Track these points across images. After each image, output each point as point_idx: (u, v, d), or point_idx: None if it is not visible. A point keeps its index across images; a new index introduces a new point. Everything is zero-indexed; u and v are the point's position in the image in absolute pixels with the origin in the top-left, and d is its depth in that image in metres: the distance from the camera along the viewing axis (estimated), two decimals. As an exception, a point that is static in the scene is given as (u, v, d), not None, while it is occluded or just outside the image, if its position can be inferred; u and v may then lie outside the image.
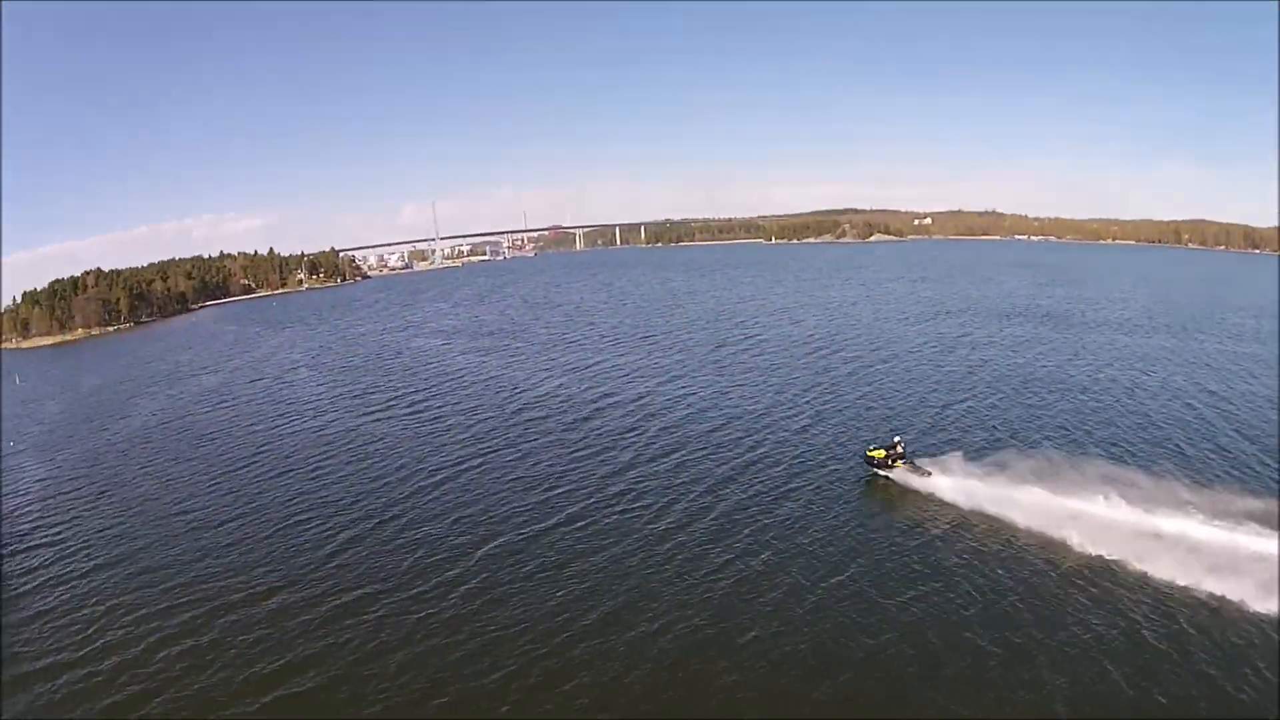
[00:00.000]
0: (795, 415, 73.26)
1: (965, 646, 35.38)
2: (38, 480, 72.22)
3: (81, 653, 39.99)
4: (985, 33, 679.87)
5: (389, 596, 42.93)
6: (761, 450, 63.82)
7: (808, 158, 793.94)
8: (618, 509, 53.17)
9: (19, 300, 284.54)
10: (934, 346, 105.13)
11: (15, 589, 48.05)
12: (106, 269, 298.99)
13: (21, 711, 34.58)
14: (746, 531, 48.69)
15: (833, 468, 59.02)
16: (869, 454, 56.17)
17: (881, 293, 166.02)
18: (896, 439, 56.35)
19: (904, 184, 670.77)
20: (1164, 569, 39.36)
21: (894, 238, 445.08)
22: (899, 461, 55.26)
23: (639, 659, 35.87)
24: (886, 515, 50.33)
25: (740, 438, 67.17)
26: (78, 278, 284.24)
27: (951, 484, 51.24)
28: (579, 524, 50.81)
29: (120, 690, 36.30)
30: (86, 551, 53.21)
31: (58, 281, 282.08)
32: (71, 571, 50.24)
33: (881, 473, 55.62)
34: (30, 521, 60.44)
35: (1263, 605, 35.10)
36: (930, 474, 53.39)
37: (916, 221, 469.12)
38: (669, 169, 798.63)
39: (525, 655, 36.59)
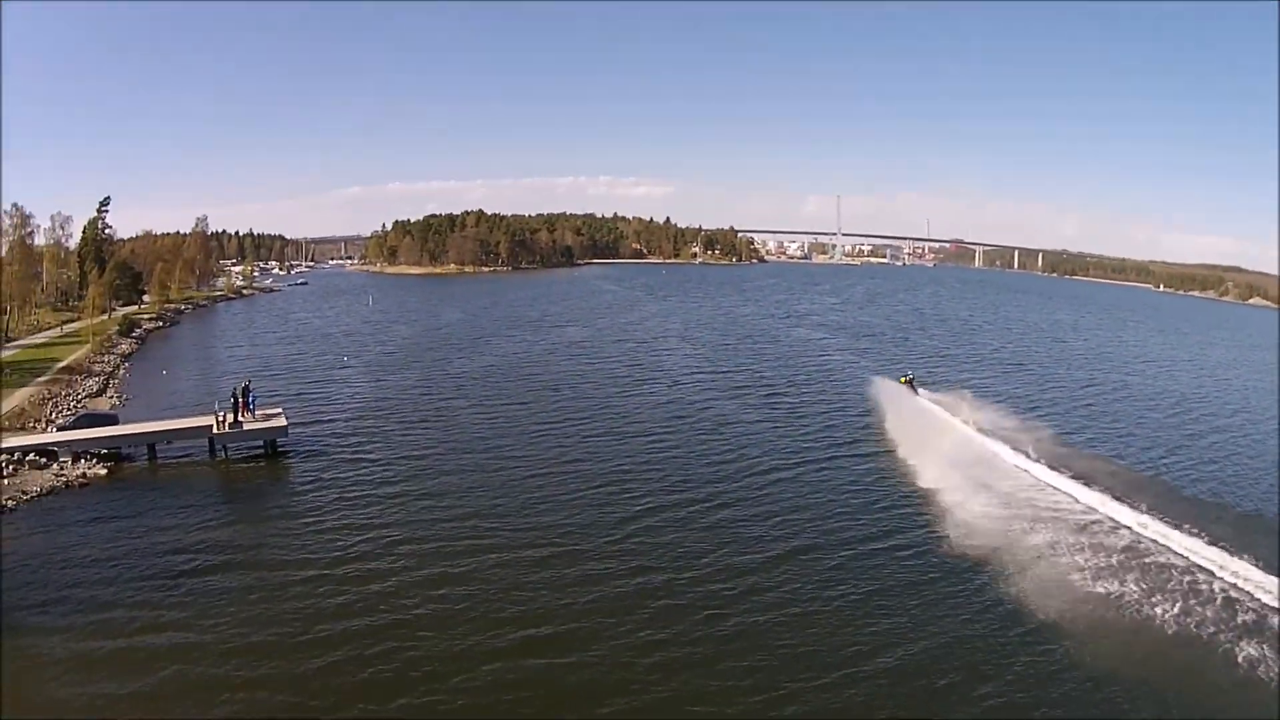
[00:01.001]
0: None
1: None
2: (353, 397, 66.16)
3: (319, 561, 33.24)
4: None
5: (664, 588, 31.97)
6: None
7: (1199, 205, 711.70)
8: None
9: (388, 228, 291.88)
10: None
11: (290, 491, 43.02)
12: (489, 212, 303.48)
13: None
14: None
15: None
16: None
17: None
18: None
19: None
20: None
21: (1271, 303, 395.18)
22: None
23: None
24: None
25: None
26: (456, 216, 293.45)
27: None
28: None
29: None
30: (371, 467, 46.12)
31: (434, 217, 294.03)
32: (346, 478, 44.09)
33: None
34: (320, 432, 53.73)
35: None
36: None
37: None
38: (1071, 197, 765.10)
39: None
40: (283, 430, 48.06)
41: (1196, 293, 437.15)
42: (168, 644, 27.02)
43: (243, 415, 47.66)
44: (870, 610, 30.61)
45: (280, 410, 50.96)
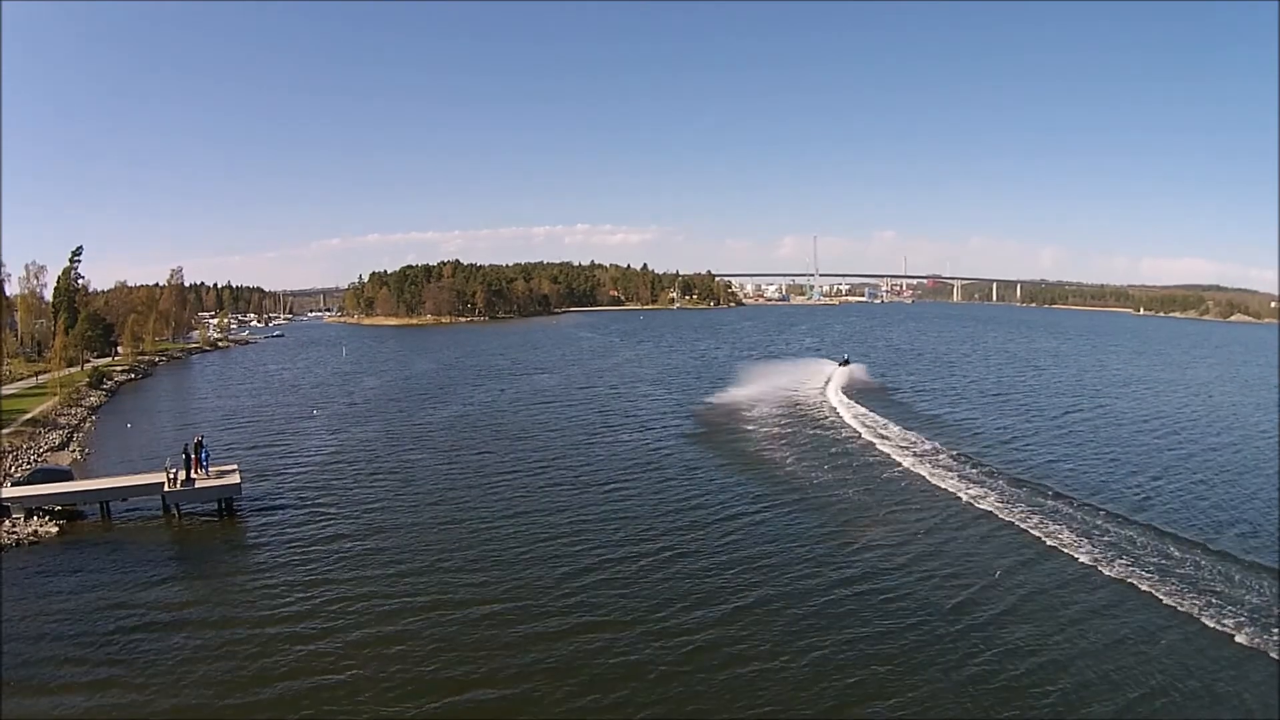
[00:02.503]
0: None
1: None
2: (315, 450, 64.49)
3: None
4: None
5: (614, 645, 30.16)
6: None
7: (1178, 231, 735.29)
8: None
9: (364, 279, 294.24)
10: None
11: (241, 550, 41.68)
12: (465, 262, 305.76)
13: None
14: None
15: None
16: None
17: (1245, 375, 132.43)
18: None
19: (1264, 266, 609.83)
20: None
21: (1253, 319, 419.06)
22: None
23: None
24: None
25: None
26: (433, 266, 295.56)
27: None
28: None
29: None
30: (326, 523, 44.94)
31: (410, 267, 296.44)
32: (300, 536, 42.76)
33: None
34: (278, 487, 52.54)
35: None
36: None
37: (1273, 304, 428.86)
38: (1046, 229, 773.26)
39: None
40: (236, 488, 46.65)
41: (1177, 313, 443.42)
42: (113, 704, 26.10)
43: (196, 472, 46.51)
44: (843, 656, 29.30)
45: (235, 467, 49.56)
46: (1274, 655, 28.89)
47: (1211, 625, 30.54)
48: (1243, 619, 30.81)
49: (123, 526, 44.38)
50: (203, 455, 47.67)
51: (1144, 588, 34.25)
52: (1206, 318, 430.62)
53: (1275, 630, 29.95)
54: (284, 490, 51.32)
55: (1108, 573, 36.09)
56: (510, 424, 75.59)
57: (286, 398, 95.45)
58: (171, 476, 45.61)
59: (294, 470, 57.11)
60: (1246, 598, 33.04)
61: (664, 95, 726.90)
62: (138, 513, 46.01)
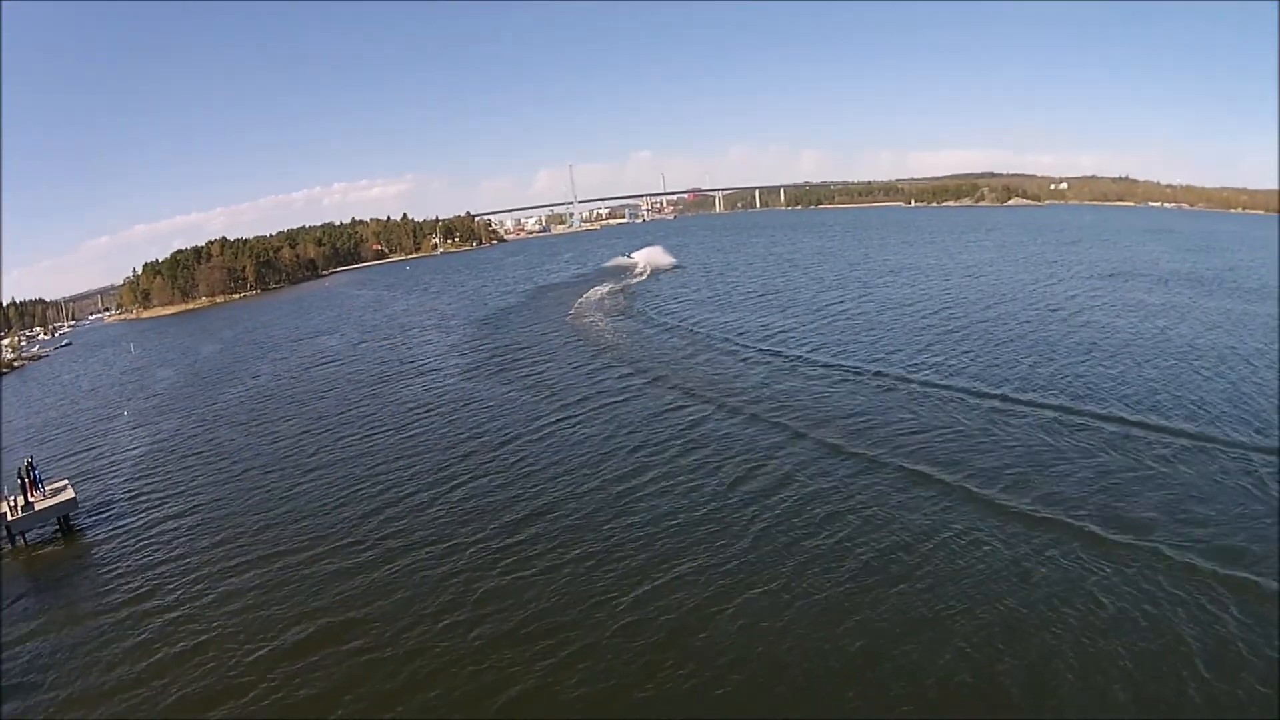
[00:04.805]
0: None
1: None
2: (132, 450, 62.98)
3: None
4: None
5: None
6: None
7: (945, 124, 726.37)
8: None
9: (139, 271, 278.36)
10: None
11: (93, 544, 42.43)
12: (232, 239, 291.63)
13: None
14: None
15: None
16: None
17: (1023, 255, 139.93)
18: None
19: (1040, 150, 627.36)
20: None
21: (1031, 202, 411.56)
22: None
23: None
24: None
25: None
26: (201, 247, 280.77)
27: None
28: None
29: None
30: (166, 515, 45.39)
31: (180, 252, 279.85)
32: (149, 530, 43.30)
33: None
34: (106, 490, 52.23)
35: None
36: None
37: (1053, 187, 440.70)
38: (809, 133, 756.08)
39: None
40: (73, 503, 45.05)
41: (951, 203, 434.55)
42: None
43: (32, 495, 44.58)
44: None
45: (66, 482, 47.80)
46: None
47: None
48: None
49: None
50: (35, 475, 45.64)
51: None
52: (983, 204, 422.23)
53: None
54: (117, 498, 49.73)
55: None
56: (302, 388, 76.80)
57: (88, 402, 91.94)
58: (12, 505, 43.57)
59: (119, 474, 55.97)
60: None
61: (406, 38, 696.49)
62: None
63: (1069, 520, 31.82)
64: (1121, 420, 43.28)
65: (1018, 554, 29.82)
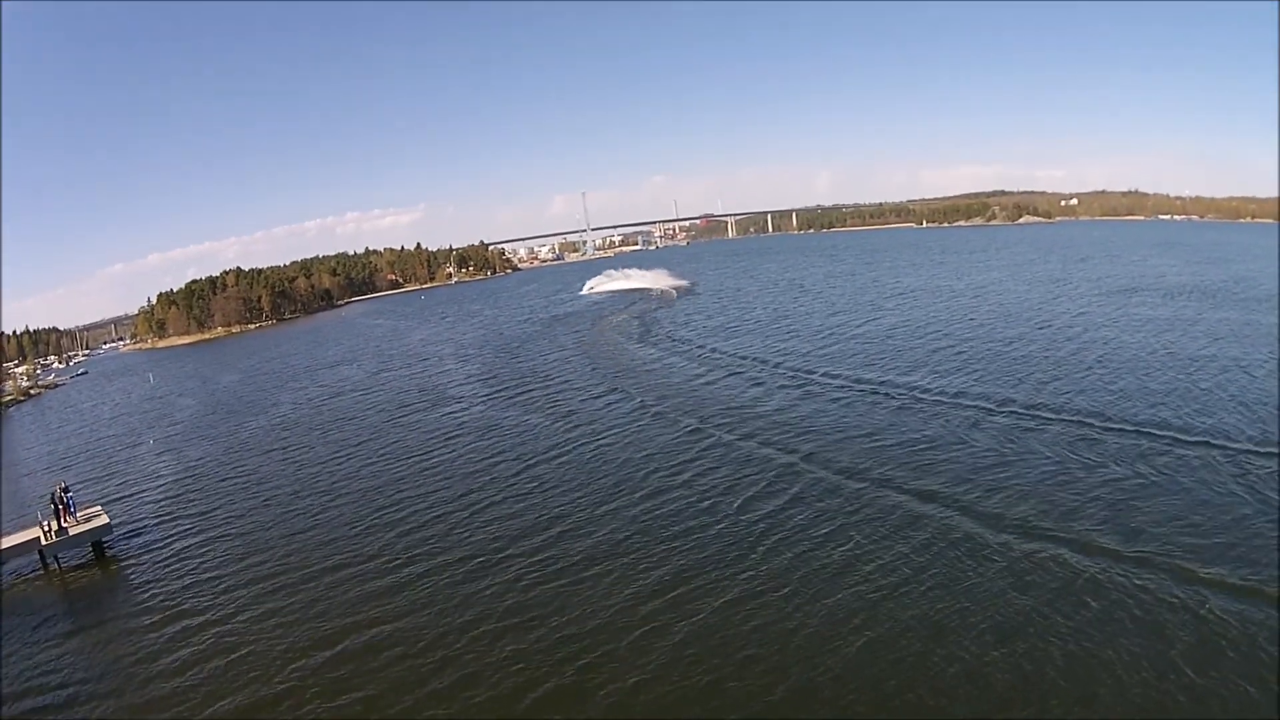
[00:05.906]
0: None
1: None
2: (161, 477, 63.51)
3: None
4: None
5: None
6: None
7: (956, 140, 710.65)
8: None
9: (154, 300, 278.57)
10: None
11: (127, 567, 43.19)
12: (247, 268, 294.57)
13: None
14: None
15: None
16: None
17: (1031, 275, 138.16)
18: None
19: (1050, 164, 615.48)
20: None
21: (1042, 219, 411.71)
22: None
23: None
24: None
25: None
26: (216, 277, 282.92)
27: None
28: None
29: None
30: (197, 539, 46.15)
31: (195, 282, 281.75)
32: (182, 554, 44.05)
33: None
34: (144, 528, 50.69)
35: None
36: None
37: (1063, 203, 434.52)
38: (820, 154, 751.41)
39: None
40: (107, 529, 45.47)
41: (963, 222, 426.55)
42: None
43: (65, 520, 45.00)
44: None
45: (99, 507, 48.36)
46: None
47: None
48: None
49: (8, 593, 41.47)
50: (69, 501, 45.94)
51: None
52: (994, 223, 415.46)
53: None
54: (149, 524, 50.05)
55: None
56: (324, 416, 77.44)
57: (110, 430, 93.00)
58: (46, 530, 44.03)
59: (145, 497, 56.93)
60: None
61: (418, 67, 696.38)
62: (19, 575, 43.64)
63: (1072, 535, 32.23)
64: (1130, 432, 43.88)
65: (1016, 566, 30.24)
